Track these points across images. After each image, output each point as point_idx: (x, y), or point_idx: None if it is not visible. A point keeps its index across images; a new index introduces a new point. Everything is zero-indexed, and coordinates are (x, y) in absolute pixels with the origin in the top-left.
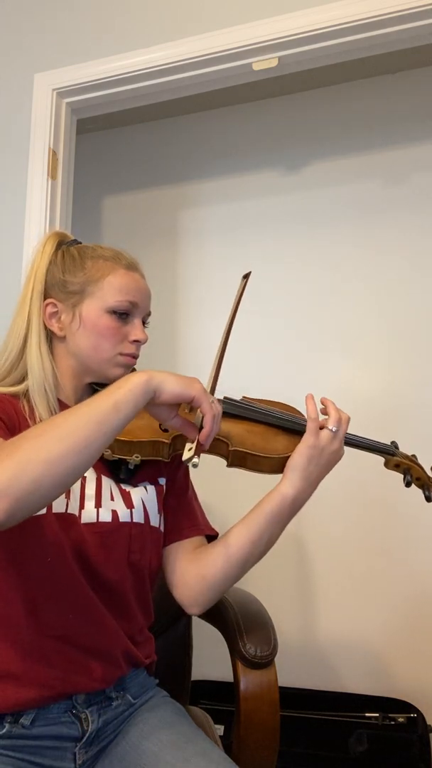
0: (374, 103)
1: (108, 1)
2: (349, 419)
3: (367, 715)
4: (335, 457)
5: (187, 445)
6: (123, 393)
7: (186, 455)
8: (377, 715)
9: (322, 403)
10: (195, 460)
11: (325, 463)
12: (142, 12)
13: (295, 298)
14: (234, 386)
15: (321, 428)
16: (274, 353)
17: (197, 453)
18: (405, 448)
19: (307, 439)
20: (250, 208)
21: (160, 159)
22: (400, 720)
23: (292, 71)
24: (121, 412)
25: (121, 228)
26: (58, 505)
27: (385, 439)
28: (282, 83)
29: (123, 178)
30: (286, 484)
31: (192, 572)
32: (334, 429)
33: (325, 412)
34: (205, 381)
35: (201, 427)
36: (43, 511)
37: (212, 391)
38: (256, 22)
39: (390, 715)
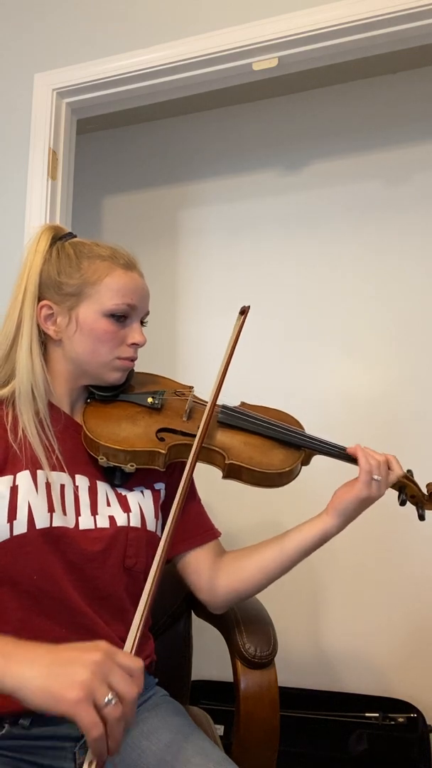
0: (374, 103)
1: (108, 1)
2: (387, 461)
3: (367, 715)
4: (376, 500)
5: (88, 753)
6: None
7: None
8: (377, 715)
9: (356, 452)
10: None
11: (368, 505)
12: (142, 12)
13: (295, 299)
14: (233, 387)
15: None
16: (273, 354)
17: None
18: (405, 451)
19: (362, 491)
20: (250, 208)
21: (160, 159)
22: (400, 720)
23: (292, 71)
24: None
25: (121, 228)
26: (42, 521)
27: (385, 445)
28: (282, 83)
29: (123, 178)
30: (333, 524)
31: (224, 584)
32: (378, 478)
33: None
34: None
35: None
36: (24, 529)
37: (206, 427)
38: (256, 22)
39: (390, 715)
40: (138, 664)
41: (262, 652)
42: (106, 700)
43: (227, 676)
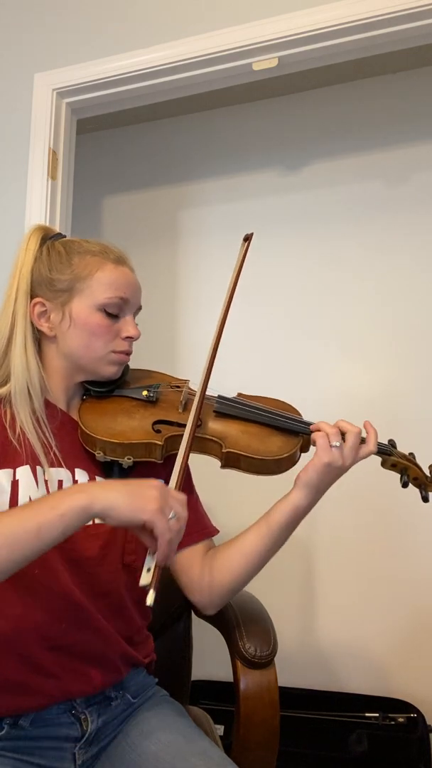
0: (374, 103)
1: (108, 1)
2: (357, 432)
3: (367, 715)
4: (343, 469)
5: (147, 561)
6: (52, 517)
7: (143, 578)
8: (377, 715)
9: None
10: (150, 597)
11: (335, 475)
12: (142, 12)
13: (295, 299)
14: (231, 385)
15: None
16: (273, 354)
17: (155, 579)
18: (405, 449)
19: (321, 457)
20: (250, 208)
21: (160, 159)
22: (400, 720)
23: (292, 71)
24: (44, 539)
25: (121, 228)
26: None
27: (385, 440)
28: (282, 83)
29: (123, 178)
30: (299, 496)
31: (207, 579)
32: (336, 444)
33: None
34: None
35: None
36: None
37: (208, 375)
38: (256, 22)
39: (390, 715)
40: (184, 496)
41: (262, 652)
42: (171, 515)
43: (227, 676)
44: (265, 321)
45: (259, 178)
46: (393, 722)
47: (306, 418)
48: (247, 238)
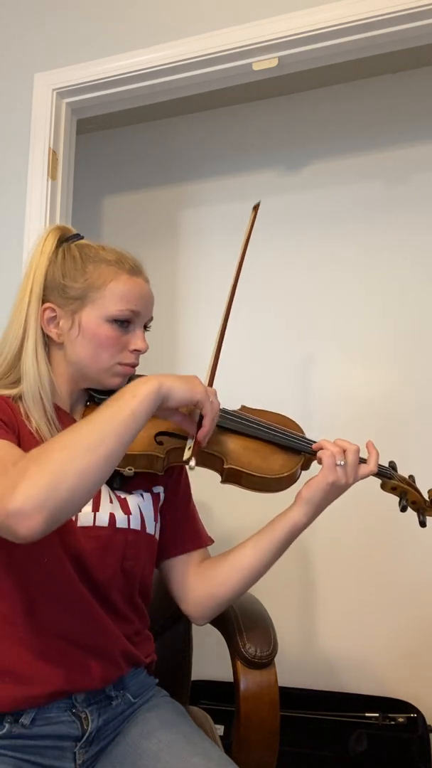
0: (374, 103)
1: (108, 1)
2: (356, 450)
3: (367, 715)
4: (344, 488)
5: (188, 443)
6: (139, 402)
7: (186, 454)
8: (377, 715)
9: (320, 443)
10: (192, 463)
11: (336, 494)
12: (141, 12)
13: (295, 299)
14: (232, 386)
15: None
16: (273, 355)
17: (195, 453)
18: (407, 452)
19: (327, 476)
20: (250, 208)
21: (160, 159)
22: (400, 720)
23: (292, 71)
24: (139, 421)
25: (121, 228)
26: None
27: (385, 447)
28: (282, 83)
29: (123, 178)
30: (299, 513)
31: (202, 589)
32: (341, 463)
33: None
34: (207, 362)
35: (200, 424)
36: None
37: (213, 370)
38: (256, 22)
39: (390, 715)
40: (215, 389)
41: (262, 652)
42: (210, 399)
43: (227, 676)
44: (265, 321)
45: (259, 178)
46: (393, 722)
47: (306, 424)
48: (256, 207)
